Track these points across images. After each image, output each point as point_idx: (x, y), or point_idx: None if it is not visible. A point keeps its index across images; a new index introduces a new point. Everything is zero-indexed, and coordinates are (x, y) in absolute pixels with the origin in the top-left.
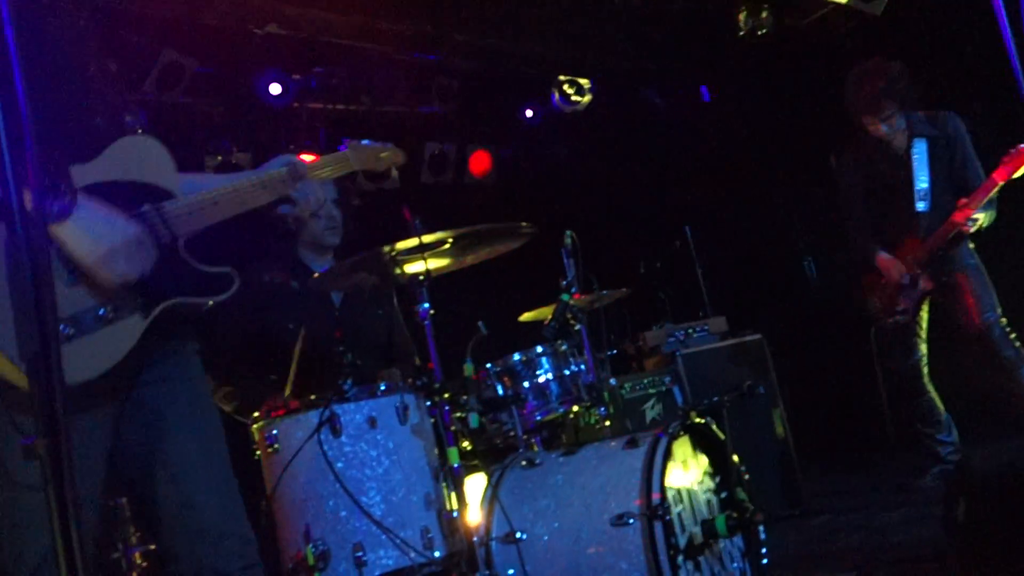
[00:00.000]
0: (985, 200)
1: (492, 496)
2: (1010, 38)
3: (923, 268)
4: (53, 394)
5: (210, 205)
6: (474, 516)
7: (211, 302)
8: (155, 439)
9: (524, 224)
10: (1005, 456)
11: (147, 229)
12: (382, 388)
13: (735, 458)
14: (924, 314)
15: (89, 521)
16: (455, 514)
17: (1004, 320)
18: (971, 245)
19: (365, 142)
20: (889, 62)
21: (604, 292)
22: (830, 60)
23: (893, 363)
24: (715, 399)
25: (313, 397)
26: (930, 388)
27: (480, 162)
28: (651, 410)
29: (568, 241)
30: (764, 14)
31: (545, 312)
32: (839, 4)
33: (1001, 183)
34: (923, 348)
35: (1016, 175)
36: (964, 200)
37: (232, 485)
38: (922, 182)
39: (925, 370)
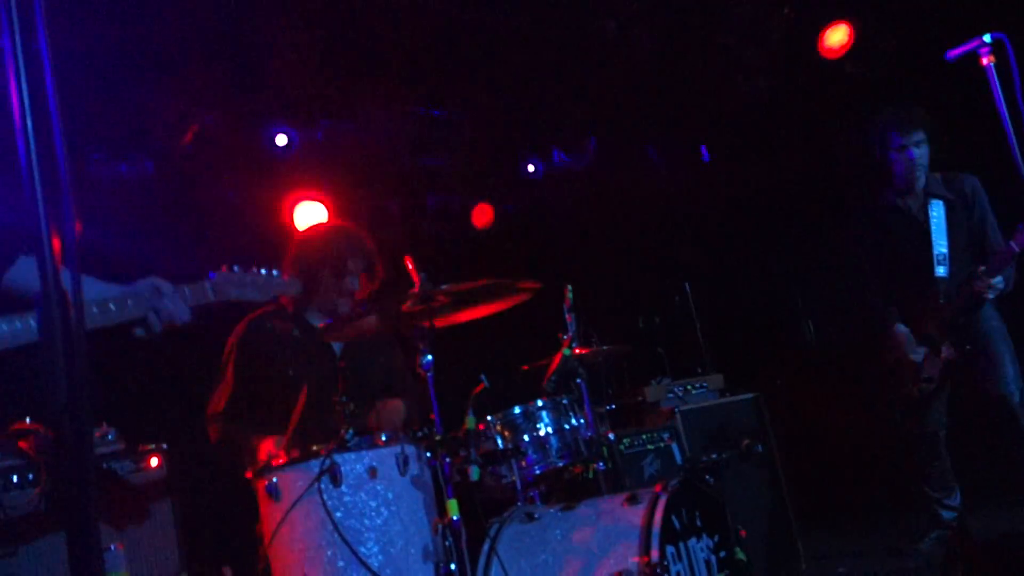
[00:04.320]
0: (1003, 268)
1: (490, 550)
2: (1005, 110)
3: (946, 336)
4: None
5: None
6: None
7: None
8: None
9: (526, 281)
10: (1005, 523)
11: None
12: (383, 438)
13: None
14: (947, 380)
15: None
16: (453, 567)
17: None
18: (993, 306)
19: (236, 268)
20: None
21: (604, 347)
22: (828, 123)
23: (914, 428)
24: (714, 456)
25: (315, 447)
26: (946, 454)
27: (482, 215)
28: (649, 466)
29: (569, 296)
30: (762, 82)
31: (546, 363)
32: (837, 70)
33: (1018, 251)
34: (944, 413)
35: None
36: (982, 268)
37: None
38: (940, 246)
39: (943, 434)
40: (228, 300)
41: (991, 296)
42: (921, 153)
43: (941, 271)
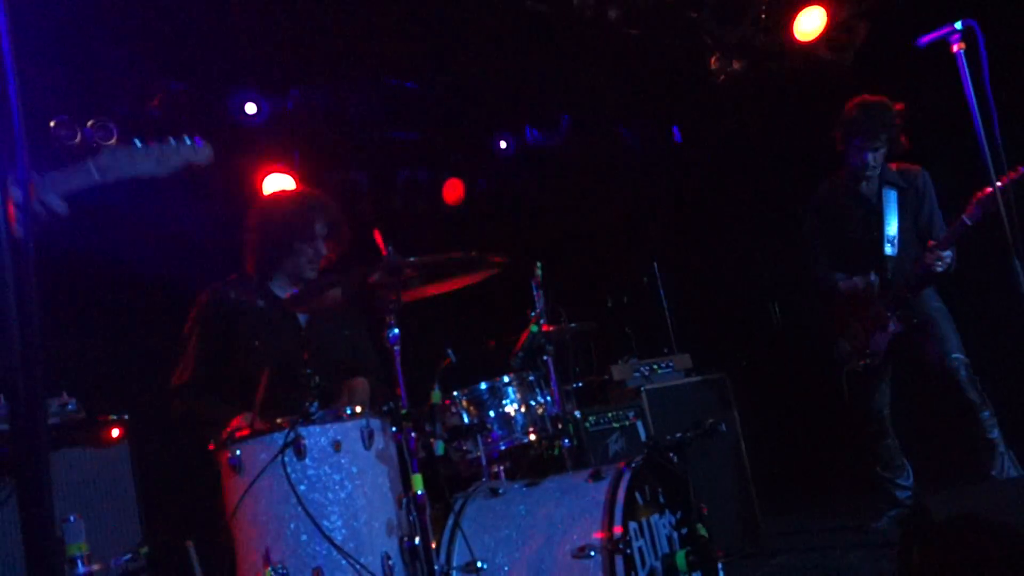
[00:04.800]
0: (953, 241)
1: (454, 525)
2: (972, 96)
3: (892, 311)
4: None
5: None
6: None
7: None
8: None
9: (495, 256)
10: (960, 500)
11: None
12: (348, 412)
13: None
14: (890, 358)
15: None
16: (417, 542)
17: (968, 362)
18: (934, 290)
19: (136, 142)
20: (892, 102)
21: (572, 324)
22: (799, 107)
23: (860, 406)
24: (678, 435)
25: (279, 420)
26: (892, 433)
27: (453, 190)
28: (614, 444)
29: (538, 272)
30: (735, 64)
31: (514, 339)
32: (810, 54)
33: (970, 224)
34: (888, 392)
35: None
36: (933, 242)
37: None
38: (891, 228)
39: (888, 413)
40: (122, 178)
41: (940, 269)
42: (876, 156)
43: (890, 250)
